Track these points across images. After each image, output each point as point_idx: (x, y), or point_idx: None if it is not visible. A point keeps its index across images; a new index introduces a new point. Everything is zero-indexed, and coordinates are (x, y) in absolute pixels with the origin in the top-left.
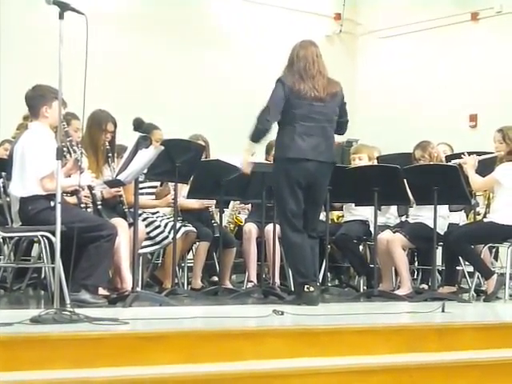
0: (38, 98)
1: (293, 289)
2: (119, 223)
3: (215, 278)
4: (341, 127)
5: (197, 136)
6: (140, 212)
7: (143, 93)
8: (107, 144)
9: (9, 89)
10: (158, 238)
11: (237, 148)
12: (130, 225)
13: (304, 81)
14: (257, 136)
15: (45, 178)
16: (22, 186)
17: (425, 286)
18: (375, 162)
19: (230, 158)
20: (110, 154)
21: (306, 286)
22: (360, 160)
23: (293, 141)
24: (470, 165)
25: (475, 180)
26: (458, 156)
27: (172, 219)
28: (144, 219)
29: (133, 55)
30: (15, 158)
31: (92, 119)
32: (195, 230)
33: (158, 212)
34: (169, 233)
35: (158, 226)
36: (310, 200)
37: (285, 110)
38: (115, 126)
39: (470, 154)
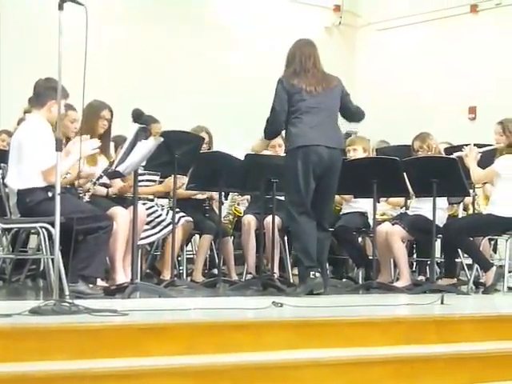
0: (49, 90)
1: (291, 279)
2: (119, 212)
3: (215, 271)
4: (353, 114)
5: (200, 128)
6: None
7: (144, 82)
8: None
9: (9, 79)
10: (159, 227)
11: (237, 135)
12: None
13: (301, 76)
14: (270, 135)
15: (47, 170)
16: (19, 178)
17: (422, 278)
18: (370, 154)
19: (231, 151)
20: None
21: (311, 272)
22: (355, 152)
23: (301, 131)
24: (471, 157)
25: (476, 172)
26: (459, 148)
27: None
28: (146, 209)
29: (134, 44)
30: (12, 150)
31: (88, 109)
32: (192, 219)
33: (155, 204)
34: (170, 220)
35: (160, 215)
36: (322, 190)
37: (290, 104)
38: (111, 114)
39: (467, 145)
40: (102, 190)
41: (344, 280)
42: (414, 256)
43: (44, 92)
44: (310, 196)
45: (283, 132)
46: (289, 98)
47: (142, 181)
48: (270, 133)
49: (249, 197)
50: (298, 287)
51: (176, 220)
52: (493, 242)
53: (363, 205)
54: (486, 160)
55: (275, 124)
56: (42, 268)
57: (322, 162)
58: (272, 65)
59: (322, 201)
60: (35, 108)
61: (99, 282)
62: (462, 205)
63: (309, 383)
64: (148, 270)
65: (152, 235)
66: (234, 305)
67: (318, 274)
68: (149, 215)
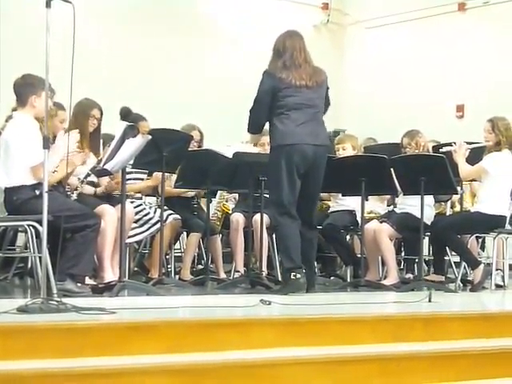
0: (27, 87)
1: (280, 277)
2: (107, 210)
3: (200, 267)
4: (325, 108)
5: (192, 126)
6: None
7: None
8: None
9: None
10: (147, 225)
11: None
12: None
13: (291, 70)
14: (253, 128)
15: (36, 166)
16: (7, 176)
17: (410, 276)
18: (359, 152)
19: (221, 150)
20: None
21: (292, 274)
22: (344, 150)
23: (289, 128)
24: (460, 153)
25: (464, 168)
26: (448, 145)
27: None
28: (134, 207)
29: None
30: None
31: (78, 106)
32: (180, 217)
33: (143, 202)
34: (158, 218)
35: (148, 213)
36: (307, 189)
37: (276, 99)
38: (101, 113)
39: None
40: (90, 190)
41: (332, 278)
42: (402, 254)
43: (22, 90)
44: (295, 195)
45: (268, 127)
46: (276, 92)
47: (130, 179)
48: (252, 126)
49: (237, 195)
50: (281, 288)
51: (164, 218)
52: (480, 240)
53: (351, 203)
54: (475, 158)
55: (256, 119)
56: (29, 266)
57: (305, 161)
58: (260, 65)
59: (308, 199)
60: (20, 107)
61: (87, 281)
62: (449, 202)
63: (297, 381)
64: (136, 268)
65: (140, 233)
66: (222, 303)
67: (299, 275)
68: (136, 213)
